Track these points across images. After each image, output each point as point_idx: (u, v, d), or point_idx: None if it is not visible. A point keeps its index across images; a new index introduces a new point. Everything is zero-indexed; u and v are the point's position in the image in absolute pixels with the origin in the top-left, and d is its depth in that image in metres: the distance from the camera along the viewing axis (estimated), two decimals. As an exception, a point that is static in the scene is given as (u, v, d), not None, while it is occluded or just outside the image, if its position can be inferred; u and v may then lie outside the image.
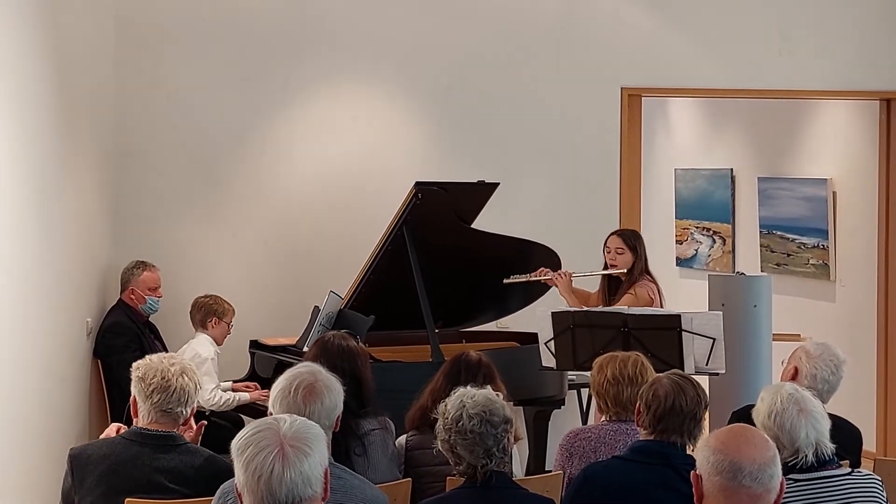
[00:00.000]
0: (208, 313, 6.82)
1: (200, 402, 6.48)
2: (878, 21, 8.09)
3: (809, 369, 4.46)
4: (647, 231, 8.40)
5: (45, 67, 5.55)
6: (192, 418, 3.85)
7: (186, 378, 3.79)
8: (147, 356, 3.88)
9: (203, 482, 3.64)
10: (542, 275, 6.65)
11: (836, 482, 3.54)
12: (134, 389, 3.80)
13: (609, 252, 6.61)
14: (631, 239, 6.64)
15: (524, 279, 6.72)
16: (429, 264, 6.42)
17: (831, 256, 8.97)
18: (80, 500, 3.72)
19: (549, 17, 7.78)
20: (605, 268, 6.63)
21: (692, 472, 2.87)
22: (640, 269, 6.56)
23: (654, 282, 6.60)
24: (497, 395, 3.78)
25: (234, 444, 2.67)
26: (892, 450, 8.24)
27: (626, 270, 6.53)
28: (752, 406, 3.76)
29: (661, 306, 6.47)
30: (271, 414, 3.44)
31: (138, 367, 3.81)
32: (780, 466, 2.85)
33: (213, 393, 6.61)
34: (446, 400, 3.79)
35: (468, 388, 3.82)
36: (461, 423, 3.67)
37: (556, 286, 6.61)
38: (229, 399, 6.67)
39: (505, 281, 6.73)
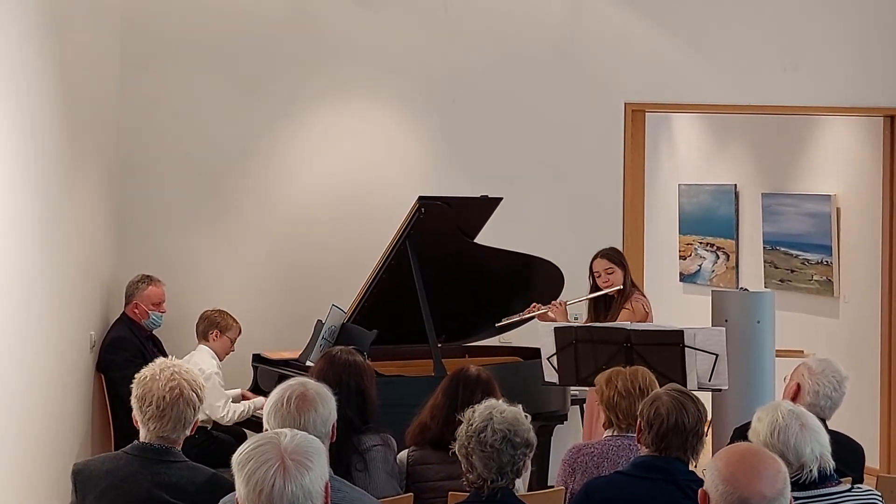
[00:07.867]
0: (211, 325, 6.81)
1: (215, 418, 6.54)
2: (881, 38, 8.10)
3: (812, 385, 4.45)
4: (651, 246, 8.43)
5: (49, 82, 5.56)
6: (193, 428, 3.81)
7: (182, 403, 3.67)
8: (148, 366, 3.81)
9: (204, 498, 3.62)
10: (536, 310, 6.63)
11: (837, 499, 3.53)
12: (133, 406, 3.77)
13: (599, 276, 6.60)
14: (616, 256, 6.67)
15: (517, 318, 6.70)
16: (432, 278, 6.42)
17: (835, 272, 8.96)
18: (83, 515, 3.72)
19: (553, 32, 7.80)
20: (596, 290, 6.62)
21: (700, 489, 2.82)
22: (630, 283, 6.61)
23: (644, 295, 6.67)
24: (527, 416, 3.76)
25: (235, 458, 2.67)
26: (895, 466, 8.22)
27: (621, 287, 6.55)
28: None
29: (652, 319, 6.53)
30: (267, 430, 3.42)
31: (138, 384, 3.74)
32: (789, 493, 2.78)
33: (226, 409, 6.59)
34: (475, 406, 3.78)
35: (500, 401, 3.81)
36: (484, 434, 3.66)
37: (553, 318, 6.49)
38: (243, 410, 6.65)
39: (497, 325, 6.73)
